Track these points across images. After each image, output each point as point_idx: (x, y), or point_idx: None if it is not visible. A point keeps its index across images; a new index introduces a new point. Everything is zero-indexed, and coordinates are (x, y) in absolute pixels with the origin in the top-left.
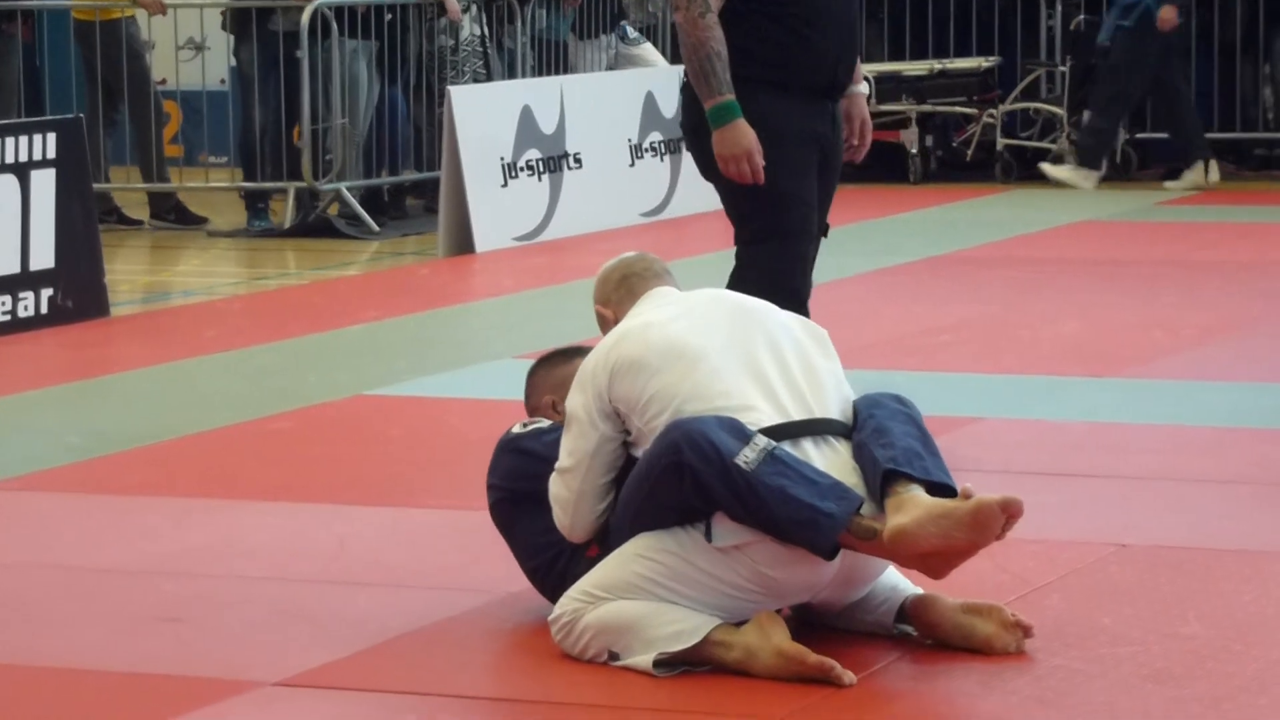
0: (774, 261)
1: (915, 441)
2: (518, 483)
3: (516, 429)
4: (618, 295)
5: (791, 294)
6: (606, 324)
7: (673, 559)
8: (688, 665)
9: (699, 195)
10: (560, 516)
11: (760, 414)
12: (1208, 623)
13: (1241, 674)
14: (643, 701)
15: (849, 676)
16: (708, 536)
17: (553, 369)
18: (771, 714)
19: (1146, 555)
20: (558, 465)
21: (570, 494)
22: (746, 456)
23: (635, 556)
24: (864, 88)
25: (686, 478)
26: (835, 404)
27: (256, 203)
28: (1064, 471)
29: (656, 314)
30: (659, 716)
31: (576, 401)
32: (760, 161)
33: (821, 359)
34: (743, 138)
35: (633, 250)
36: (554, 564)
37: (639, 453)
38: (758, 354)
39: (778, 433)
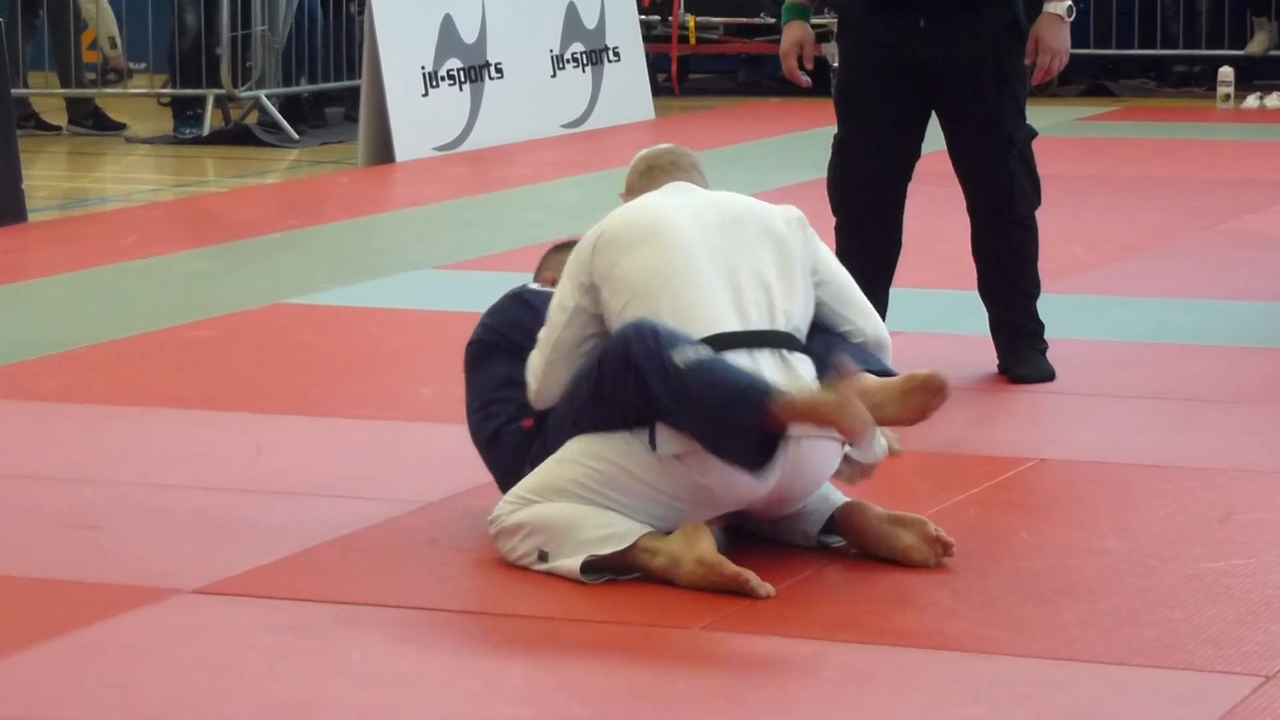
0: (828, 169)
1: (877, 361)
2: (505, 330)
3: (533, 284)
4: (640, 185)
5: (834, 208)
6: None
7: (610, 466)
8: (614, 573)
9: (620, 107)
10: (530, 382)
11: (721, 317)
12: (1123, 537)
13: (1156, 589)
14: (566, 611)
15: (765, 589)
16: (651, 443)
17: (564, 252)
18: (693, 624)
19: (1063, 470)
20: (540, 333)
21: (542, 360)
22: (686, 355)
23: (572, 462)
24: (1058, 6)
25: (631, 374)
26: (800, 319)
27: (185, 109)
28: (982, 386)
29: (650, 198)
30: (582, 627)
31: (565, 273)
32: (793, 64)
33: (800, 271)
34: (784, 39)
35: (669, 144)
36: (492, 419)
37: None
38: (735, 257)
39: (736, 340)
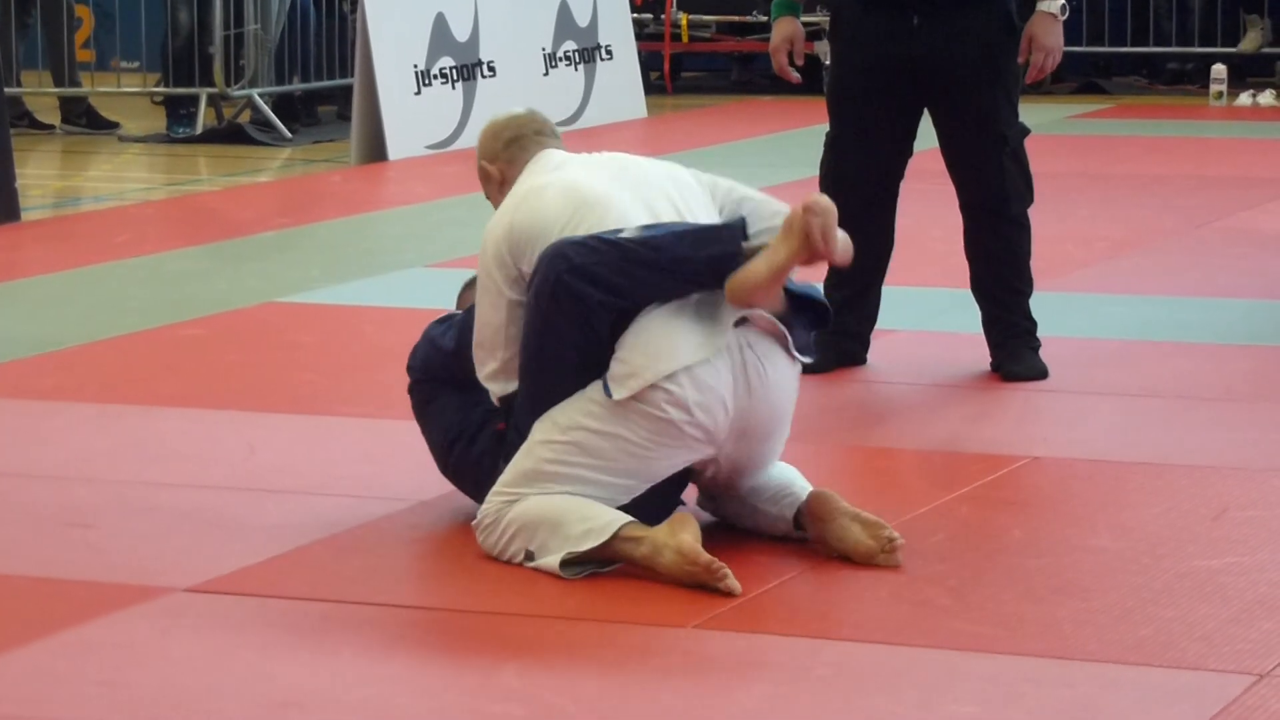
0: (820, 167)
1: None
2: (432, 370)
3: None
4: (507, 154)
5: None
6: (490, 181)
7: (576, 433)
8: (595, 566)
9: (612, 105)
10: (493, 389)
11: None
12: (1117, 535)
13: (1149, 586)
14: (559, 610)
15: (732, 584)
16: (606, 392)
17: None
18: (686, 622)
19: (1057, 467)
20: (475, 339)
21: (497, 364)
22: (625, 233)
23: (541, 444)
24: (1051, 4)
25: (585, 282)
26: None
27: (179, 109)
28: (975, 384)
29: (551, 175)
30: (575, 625)
31: (483, 273)
32: (783, 60)
33: (699, 190)
34: (774, 36)
35: (521, 107)
36: (453, 446)
37: None
38: (655, 202)
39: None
